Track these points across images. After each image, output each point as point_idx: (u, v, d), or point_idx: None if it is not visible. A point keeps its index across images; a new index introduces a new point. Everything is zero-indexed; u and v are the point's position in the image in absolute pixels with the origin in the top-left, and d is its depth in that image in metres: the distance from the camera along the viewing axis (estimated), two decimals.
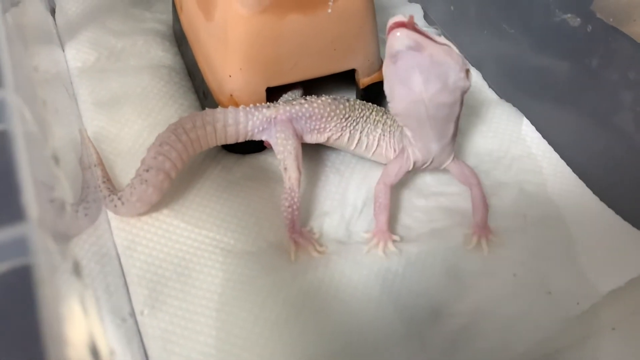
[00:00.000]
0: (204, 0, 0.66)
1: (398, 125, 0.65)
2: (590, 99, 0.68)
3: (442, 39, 0.53)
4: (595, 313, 0.58)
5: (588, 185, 0.68)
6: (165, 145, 0.61)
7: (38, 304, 0.28)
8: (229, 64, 0.64)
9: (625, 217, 0.64)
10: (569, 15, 0.65)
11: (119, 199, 0.60)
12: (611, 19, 0.65)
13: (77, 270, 0.42)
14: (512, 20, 0.73)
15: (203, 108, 0.73)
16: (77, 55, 0.77)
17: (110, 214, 0.62)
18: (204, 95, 0.71)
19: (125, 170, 0.66)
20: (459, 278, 0.61)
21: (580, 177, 0.69)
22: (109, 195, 0.61)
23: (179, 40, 0.80)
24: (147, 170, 0.60)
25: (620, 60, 0.65)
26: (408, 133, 0.60)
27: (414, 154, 0.62)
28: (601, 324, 0.58)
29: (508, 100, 0.77)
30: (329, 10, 0.62)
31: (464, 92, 0.56)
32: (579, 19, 0.65)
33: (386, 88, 0.57)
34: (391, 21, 0.52)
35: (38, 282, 0.28)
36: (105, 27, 0.81)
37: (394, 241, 0.62)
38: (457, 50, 0.54)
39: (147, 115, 0.72)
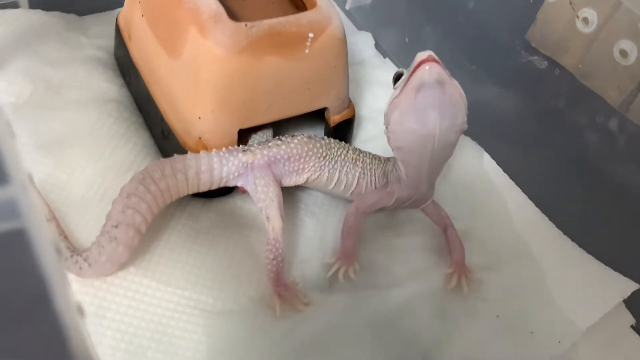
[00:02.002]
0: (167, 34, 0.61)
1: (379, 163, 0.64)
2: (548, 135, 0.71)
3: (454, 80, 0.53)
4: (575, 349, 0.60)
5: (551, 219, 0.71)
6: (134, 197, 0.55)
7: None
8: (199, 106, 0.59)
9: (588, 250, 0.68)
10: (535, 57, 0.67)
11: (85, 259, 0.53)
12: (546, 49, 0.68)
13: None
14: (473, 56, 0.75)
15: (160, 148, 0.67)
16: (9, 88, 0.68)
17: (71, 277, 0.55)
18: (162, 135, 0.66)
19: (81, 224, 0.59)
20: (444, 321, 0.60)
21: (542, 211, 0.71)
22: (72, 256, 0.54)
23: (125, 69, 0.74)
24: (116, 227, 0.54)
25: (569, 95, 0.68)
26: (402, 169, 0.59)
27: (401, 190, 0.61)
28: (579, 359, 0.60)
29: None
30: (307, 51, 0.59)
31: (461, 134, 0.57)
32: (546, 62, 0.67)
33: (394, 120, 0.55)
34: (422, 55, 0.51)
35: None
36: (38, 55, 0.72)
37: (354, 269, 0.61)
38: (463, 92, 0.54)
39: (98, 157, 0.65)
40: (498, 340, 0.59)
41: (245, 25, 0.56)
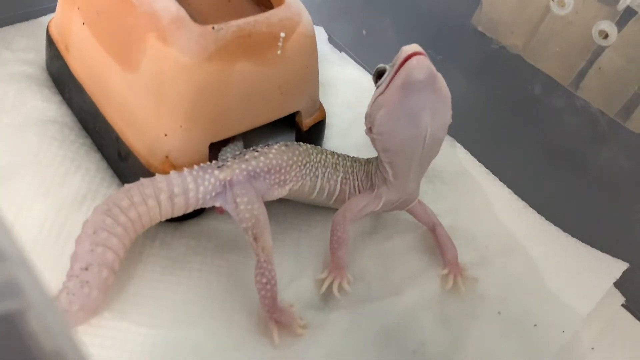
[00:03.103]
0: (118, 45, 0.53)
1: (360, 166, 0.60)
2: (515, 122, 0.71)
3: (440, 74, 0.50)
4: (577, 336, 0.59)
5: (531, 207, 0.70)
6: (102, 232, 0.48)
7: None
8: (164, 122, 0.52)
9: (573, 234, 0.67)
10: (506, 39, 0.66)
11: None
12: (490, 32, 0.67)
13: None
14: (439, 46, 0.72)
15: (117, 171, 0.60)
16: None
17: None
18: (119, 157, 0.58)
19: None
20: (448, 326, 0.58)
21: (522, 199, 0.70)
22: None
23: (63, 85, 0.65)
24: (86, 269, 0.47)
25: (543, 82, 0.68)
26: (388, 170, 0.55)
27: (388, 193, 0.58)
28: (582, 346, 0.59)
29: None
30: (279, 52, 0.54)
31: None
32: (497, 46, 0.66)
33: (379, 120, 0.51)
34: (408, 49, 0.47)
35: None
36: None
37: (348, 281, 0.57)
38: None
39: (47, 189, 0.57)
40: (504, 338, 0.57)
41: (213, 28, 0.50)
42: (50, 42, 0.64)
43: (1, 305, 0.20)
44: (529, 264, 0.64)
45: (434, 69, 0.48)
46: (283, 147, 0.57)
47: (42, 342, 0.24)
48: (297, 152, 0.57)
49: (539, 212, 0.69)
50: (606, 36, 0.57)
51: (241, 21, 0.51)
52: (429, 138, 0.51)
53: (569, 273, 0.63)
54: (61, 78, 0.65)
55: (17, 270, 0.21)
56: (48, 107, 0.64)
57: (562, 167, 0.68)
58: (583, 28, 0.59)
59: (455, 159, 0.74)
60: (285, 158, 0.56)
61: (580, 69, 0.63)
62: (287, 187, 0.57)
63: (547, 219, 0.69)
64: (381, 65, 0.52)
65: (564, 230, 0.67)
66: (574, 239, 0.67)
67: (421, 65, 0.48)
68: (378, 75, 0.53)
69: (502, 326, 0.58)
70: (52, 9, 0.65)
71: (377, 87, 0.52)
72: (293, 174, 0.56)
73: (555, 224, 0.68)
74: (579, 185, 0.67)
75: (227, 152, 0.59)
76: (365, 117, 0.54)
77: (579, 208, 0.67)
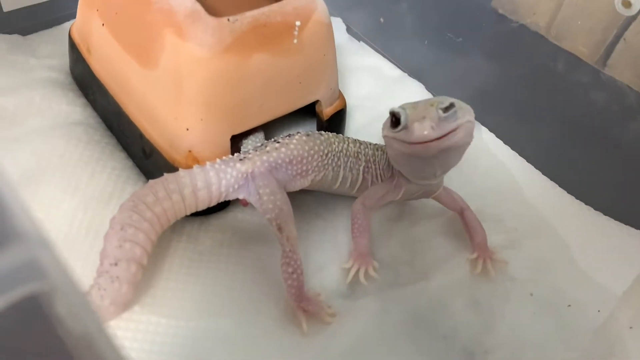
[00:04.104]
0: (137, 43, 0.54)
1: (382, 154, 0.59)
2: (538, 101, 0.69)
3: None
4: (614, 316, 0.58)
5: (560, 186, 0.68)
6: (129, 228, 0.49)
7: None
8: (185, 116, 0.53)
9: (604, 212, 0.66)
10: (527, 19, 0.64)
11: None
12: (512, 13, 0.66)
13: None
14: (458, 28, 0.71)
15: (142, 168, 0.61)
16: None
17: None
18: (144, 154, 0.59)
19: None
20: (479, 310, 0.57)
21: (550, 179, 0.69)
22: None
23: (87, 88, 0.66)
24: (115, 264, 0.47)
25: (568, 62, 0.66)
26: (409, 176, 0.56)
27: (409, 184, 0.57)
28: (620, 325, 0.58)
29: None
30: (295, 41, 0.54)
31: None
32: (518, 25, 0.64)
33: (390, 150, 0.54)
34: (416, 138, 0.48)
35: None
36: None
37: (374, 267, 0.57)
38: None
39: (74, 189, 0.58)
40: (537, 320, 0.56)
41: (228, 20, 0.50)
42: (73, 46, 0.66)
43: (26, 287, 0.21)
44: (560, 244, 0.63)
45: (444, 143, 0.49)
46: (304, 137, 0.56)
47: (69, 326, 0.25)
48: (318, 142, 0.57)
49: (568, 192, 0.68)
50: (629, 5, 0.55)
51: (256, 12, 0.52)
52: (441, 171, 0.55)
53: (602, 251, 0.61)
54: (85, 81, 0.66)
55: (40, 252, 0.21)
56: (73, 109, 0.65)
57: (590, 144, 0.66)
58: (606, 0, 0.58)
59: (480, 142, 0.73)
60: (307, 148, 0.56)
61: (606, 46, 0.61)
62: (309, 178, 0.57)
63: (577, 198, 0.67)
64: (396, 109, 0.50)
65: (596, 209, 0.66)
66: (606, 217, 0.65)
67: (428, 150, 0.49)
68: (393, 118, 0.51)
69: (535, 308, 0.57)
70: (74, 15, 0.66)
71: (389, 125, 0.52)
72: (315, 164, 0.56)
73: (586, 203, 0.66)
74: (609, 162, 0.65)
75: (248, 145, 0.59)
76: (382, 128, 0.54)
77: (609, 185, 0.65)
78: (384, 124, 0.53)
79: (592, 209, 0.66)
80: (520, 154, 0.71)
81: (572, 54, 0.63)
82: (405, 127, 0.49)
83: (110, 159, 0.61)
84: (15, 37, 0.73)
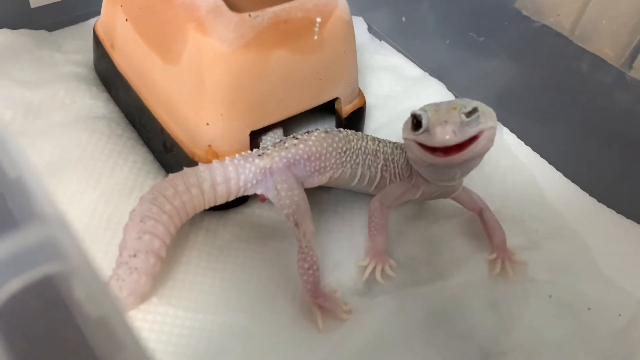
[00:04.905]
0: (159, 38, 0.55)
1: (401, 152, 0.59)
2: (561, 102, 0.68)
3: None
4: (635, 320, 0.57)
5: (582, 188, 0.67)
6: (149, 220, 0.49)
7: None
8: (205, 111, 0.53)
9: (626, 215, 0.64)
10: (551, 19, 0.64)
11: None
12: (535, 13, 0.65)
13: None
14: (480, 28, 0.71)
15: (163, 162, 0.62)
16: None
17: None
18: (164, 148, 0.60)
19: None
20: (497, 310, 0.56)
21: (571, 181, 0.68)
22: None
23: (110, 83, 0.67)
24: (134, 255, 0.48)
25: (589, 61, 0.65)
26: (428, 178, 0.56)
27: (427, 184, 0.57)
28: None
29: None
30: (315, 37, 0.54)
31: None
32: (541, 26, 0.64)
33: (410, 154, 0.54)
34: (438, 142, 0.48)
35: None
36: (12, 78, 0.66)
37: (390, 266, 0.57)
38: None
39: (96, 182, 0.58)
40: (556, 322, 0.55)
41: (249, 15, 0.50)
42: (97, 42, 0.67)
43: (45, 268, 0.21)
44: (581, 246, 0.62)
45: (466, 155, 0.49)
46: (323, 134, 0.56)
47: (86, 309, 0.25)
48: (336, 139, 0.57)
49: (590, 195, 0.67)
50: None
51: (277, 8, 0.52)
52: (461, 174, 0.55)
53: (623, 255, 0.60)
54: (108, 76, 0.67)
55: (60, 234, 0.22)
56: (96, 104, 0.66)
57: (613, 147, 0.65)
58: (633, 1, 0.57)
59: (502, 142, 0.72)
60: (325, 145, 0.56)
61: (632, 48, 0.60)
62: (327, 175, 0.57)
63: (599, 200, 0.66)
64: (418, 112, 0.50)
65: (618, 212, 0.65)
66: (629, 221, 0.64)
67: (451, 162, 0.49)
68: (414, 120, 0.50)
69: (554, 310, 0.56)
70: (98, 12, 0.67)
71: (411, 129, 0.51)
72: (333, 161, 0.56)
73: (608, 206, 0.65)
74: (632, 165, 0.64)
75: (267, 140, 0.60)
76: (403, 130, 0.54)
77: (632, 188, 0.64)
78: (405, 126, 0.53)
79: (614, 212, 0.65)
80: (541, 155, 0.70)
81: (596, 55, 0.63)
82: (427, 130, 0.48)
83: (131, 153, 0.62)
84: (42, 32, 0.74)
